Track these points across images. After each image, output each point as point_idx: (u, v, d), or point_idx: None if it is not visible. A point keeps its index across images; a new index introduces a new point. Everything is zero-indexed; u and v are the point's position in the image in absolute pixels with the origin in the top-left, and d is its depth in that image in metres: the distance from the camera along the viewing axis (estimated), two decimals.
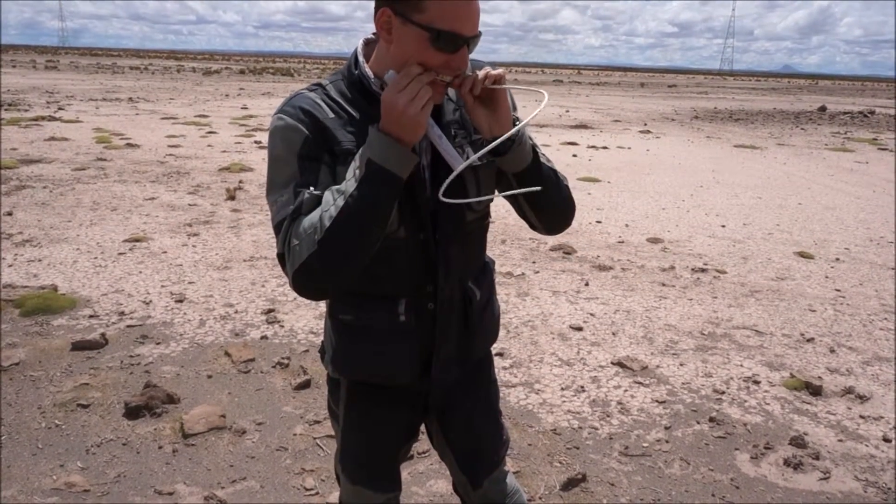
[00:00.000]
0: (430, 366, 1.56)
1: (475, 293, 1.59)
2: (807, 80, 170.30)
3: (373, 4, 1.34)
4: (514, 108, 1.57)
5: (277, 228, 1.34)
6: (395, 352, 1.53)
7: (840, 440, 3.28)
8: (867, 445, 3.24)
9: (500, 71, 1.33)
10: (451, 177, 1.31)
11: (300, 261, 1.29)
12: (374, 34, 1.44)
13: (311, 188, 1.33)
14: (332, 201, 1.28)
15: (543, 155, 1.48)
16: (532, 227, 1.58)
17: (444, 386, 1.63)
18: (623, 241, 6.81)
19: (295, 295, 4.86)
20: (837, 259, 6.49)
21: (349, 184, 1.28)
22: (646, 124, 20.81)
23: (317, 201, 1.32)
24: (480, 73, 1.31)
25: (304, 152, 1.34)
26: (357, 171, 1.27)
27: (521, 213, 1.54)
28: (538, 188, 1.41)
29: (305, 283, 1.32)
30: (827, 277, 5.89)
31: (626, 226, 7.48)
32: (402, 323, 1.50)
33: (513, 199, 1.50)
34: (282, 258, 1.34)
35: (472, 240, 1.56)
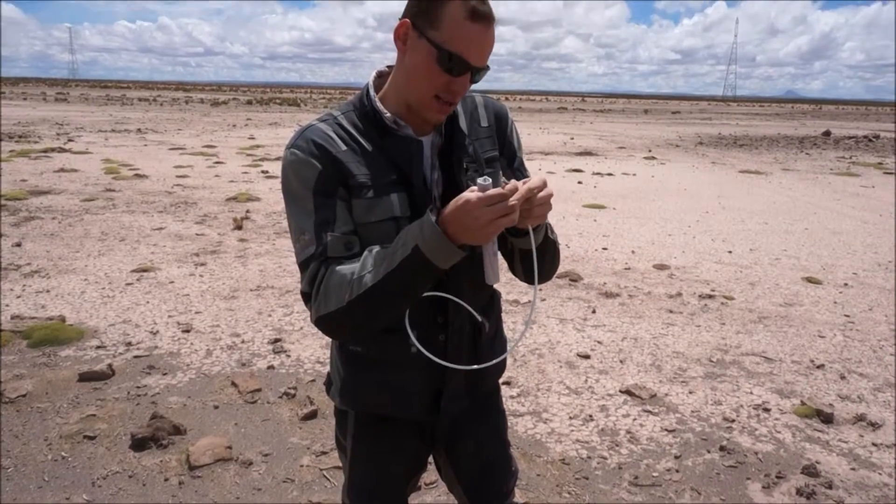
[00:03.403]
0: (439, 397, 1.56)
1: (484, 325, 1.58)
2: (810, 105, 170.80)
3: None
4: (519, 147, 1.62)
5: (303, 266, 1.39)
6: (406, 384, 1.54)
7: (853, 468, 3.24)
8: (880, 473, 3.20)
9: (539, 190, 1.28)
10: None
11: (326, 311, 1.35)
12: (387, 67, 1.48)
13: (330, 229, 1.36)
14: (369, 267, 1.31)
15: (549, 226, 1.49)
16: (512, 271, 1.60)
17: (452, 417, 1.62)
18: (630, 268, 6.80)
19: (301, 325, 4.86)
20: (846, 284, 6.45)
21: (392, 258, 1.29)
22: (650, 151, 20.88)
23: (342, 244, 1.36)
24: (532, 192, 1.27)
25: (318, 187, 1.37)
26: (401, 250, 1.28)
27: (508, 260, 1.57)
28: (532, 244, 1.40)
29: (327, 328, 1.39)
30: (835, 303, 5.86)
31: (633, 252, 7.47)
32: (413, 355, 1.48)
33: (506, 250, 1.54)
34: (307, 296, 1.39)
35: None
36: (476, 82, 1.39)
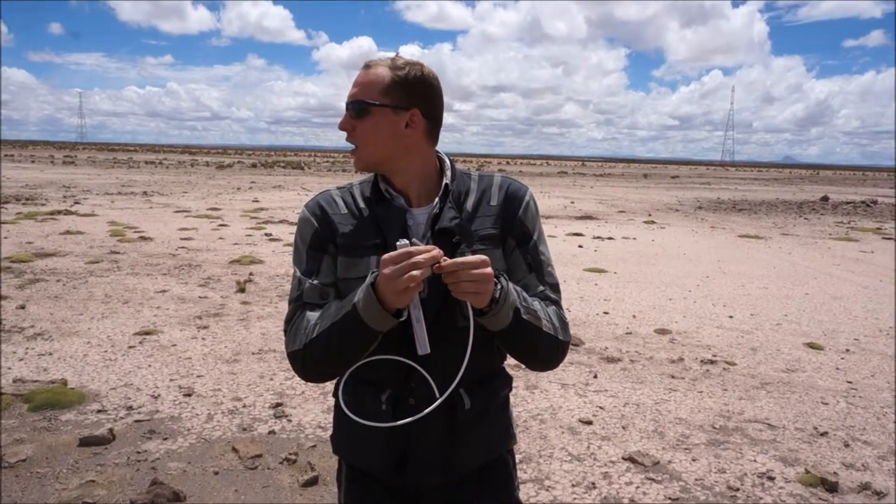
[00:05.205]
0: (405, 461, 1.55)
1: (464, 402, 1.53)
2: (808, 170, 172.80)
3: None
4: (535, 231, 1.59)
5: (289, 304, 1.57)
6: (372, 439, 1.55)
7: None
8: None
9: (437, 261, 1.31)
10: (425, 412, 1.40)
11: (292, 349, 1.50)
12: None
13: (312, 278, 1.52)
14: (327, 316, 1.43)
15: (530, 311, 1.44)
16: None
17: (425, 487, 1.58)
18: (631, 333, 6.81)
19: (303, 389, 4.86)
20: (847, 350, 6.45)
21: (339, 311, 1.40)
22: (650, 215, 21.09)
23: (318, 293, 1.52)
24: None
25: (312, 242, 1.55)
26: (346, 306, 1.39)
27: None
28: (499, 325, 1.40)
29: (292, 365, 1.52)
30: (838, 369, 5.85)
31: (634, 317, 7.49)
32: (383, 413, 1.51)
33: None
34: (285, 332, 1.55)
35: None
36: (357, 117, 1.50)
